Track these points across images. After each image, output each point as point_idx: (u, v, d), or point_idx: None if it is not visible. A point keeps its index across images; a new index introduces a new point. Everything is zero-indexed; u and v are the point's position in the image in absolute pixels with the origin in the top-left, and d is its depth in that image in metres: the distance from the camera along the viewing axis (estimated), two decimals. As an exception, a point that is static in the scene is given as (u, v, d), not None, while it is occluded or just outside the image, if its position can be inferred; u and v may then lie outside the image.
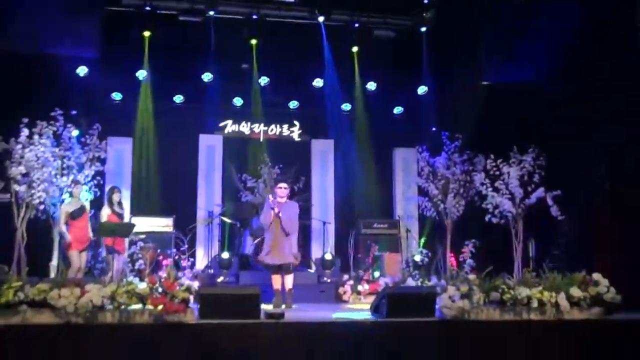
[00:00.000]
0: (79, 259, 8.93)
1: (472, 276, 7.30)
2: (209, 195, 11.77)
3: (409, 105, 12.31)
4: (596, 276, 7.36)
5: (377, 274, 10.30)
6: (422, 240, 11.60)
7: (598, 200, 9.11)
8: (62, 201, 9.17)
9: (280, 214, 8.56)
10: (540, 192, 8.90)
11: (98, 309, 6.46)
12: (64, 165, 9.37)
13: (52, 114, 8.97)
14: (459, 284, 7.06)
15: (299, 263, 8.93)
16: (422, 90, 12.06)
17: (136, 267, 9.22)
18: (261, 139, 12.14)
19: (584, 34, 8.86)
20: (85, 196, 9.39)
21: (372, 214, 11.76)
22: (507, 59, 10.09)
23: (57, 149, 9.11)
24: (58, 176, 9.19)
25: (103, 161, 9.95)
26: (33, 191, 8.50)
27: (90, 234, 9.12)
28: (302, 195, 11.21)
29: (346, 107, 12.39)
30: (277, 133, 12.30)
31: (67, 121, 9.30)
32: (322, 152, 12.45)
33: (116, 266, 8.70)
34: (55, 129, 8.96)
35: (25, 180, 8.46)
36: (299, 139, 12.38)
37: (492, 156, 9.24)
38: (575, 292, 7.19)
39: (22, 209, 8.34)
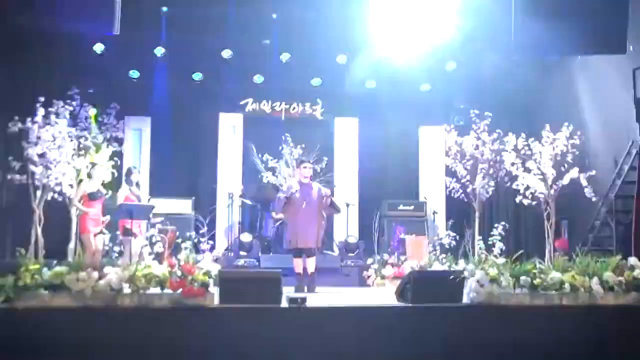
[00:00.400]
0: (94, 242, 9.01)
1: (501, 260, 7.28)
2: (229, 176, 11.89)
3: (436, 81, 12.26)
4: (632, 260, 7.26)
5: (402, 257, 10.22)
6: (449, 222, 11.62)
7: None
8: (80, 182, 9.12)
9: (302, 195, 8.70)
10: (574, 172, 8.77)
11: (116, 293, 6.53)
12: (81, 146, 9.30)
13: (69, 92, 9.05)
14: (488, 268, 7.02)
15: (321, 246, 9.11)
16: (450, 66, 11.99)
17: (155, 250, 9.21)
18: (282, 118, 12.23)
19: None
20: (102, 176, 9.41)
21: (398, 195, 11.87)
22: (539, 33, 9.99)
23: (73, 129, 9.10)
24: (75, 157, 9.17)
25: (120, 141, 10.07)
26: (50, 172, 8.49)
27: (106, 217, 9.20)
28: (324, 176, 11.34)
29: (370, 84, 12.35)
30: (299, 111, 12.35)
31: (84, 100, 9.41)
32: (346, 131, 12.48)
33: (133, 249, 8.75)
34: (72, 108, 8.93)
35: (41, 161, 8.43)
36: (322, 118, 12.41)
37: (523, 135, 9.14)
38: (610, 276, 7.09)
39: (39, 190, 8.37)
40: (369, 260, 10.32)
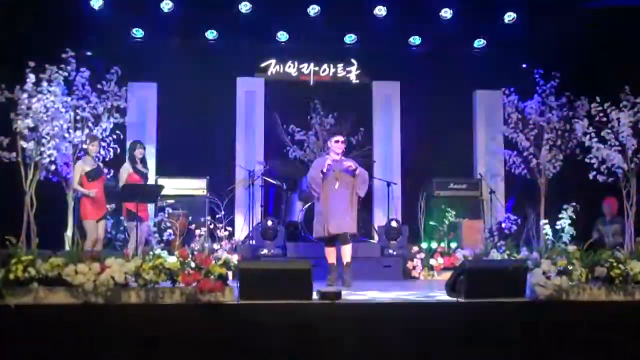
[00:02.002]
0: (95, 229, 9.11)
1: (571, 247, 7.20)
2: (249, 151, 11.87)
3: (493, 37, 12.15)
4: None
5: (453, 245, 10.42)
6: (510, 203, 11.69)
7: None
8: (79, 159, 9.40)
9: (335, 173, 8.65)
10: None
11: (121, 287, 6.59)
12: (78, 117, 9.54)
13: (63, 56, 9.07)
14: (556, 257, 6.98)
15: (358, 232, 9.01)
16: (509, 17, 11.85)
17: (164, 237, 9.39)
18: (311, 82, 12.17)
19: None
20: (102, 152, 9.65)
21: (448, 171, 11.77)
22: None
23: (68, 98, 9.27)
24: (71, 130, 9.37)
25: (123, 112, 10.07)
26: (42, 148, 8.64)
27: (111, 205, 9.38)
28: (361, 150, 11.24)
29: (415, 40, 12.29)
30: (331, 74, 12.29)
31: (81, 64, 9.41)
32: (386, 96, 12.37)
33: (140, 237, 8.84)
34: (66, 74, 9.10)
35: (32, 136, 8.59)
36: (357, 81, 12.32)
37: (597, 99, 9.01)
38: (703, 267, 7.01)
39: (31, 169, 8.45)
40: (414, 249, 10.33)
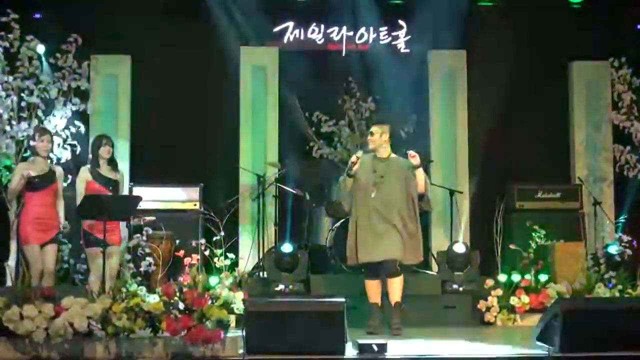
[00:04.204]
0: (40, 258, 8.90)
1: None
2: (258, 148, 11.79)
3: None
4: None
5: (543, 277, 10.24)
6: (622, 218, 11.50)
7: None
8: (24, 160, 9.42)
9: (373, 176, 8.66)
10: None
11: (83, 337, 6.58)
12: (23, 104, 9.60)
13: (2, 19, 9.20)
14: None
15: (411, 260, 8.90)
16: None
17: (142, 269, 9.41)
18: (343, 53, 12.10)
19: None
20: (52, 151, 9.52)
21: (534, 175, 11.71)
22: None
23: (10, 78, 9.38)
24: (13, 121, 9.45)
25: (85, 95, 10.09)
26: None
27: (61, 217, 9.20)
28: (413, 145, 10.57)
29: (486, -4, 12.27)
30: (371, 41, 12.22)
31: (27, 31, 9.47)
32: (447, 71, 12.27)
33: (108, 268, 8.65)
34: (7, 44, 9.25)
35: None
36: (407, 51, 12.25)
37: None
38: None
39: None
40: (488, 283, 10.23)
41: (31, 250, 8.88)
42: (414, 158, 8.61)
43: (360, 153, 8.83)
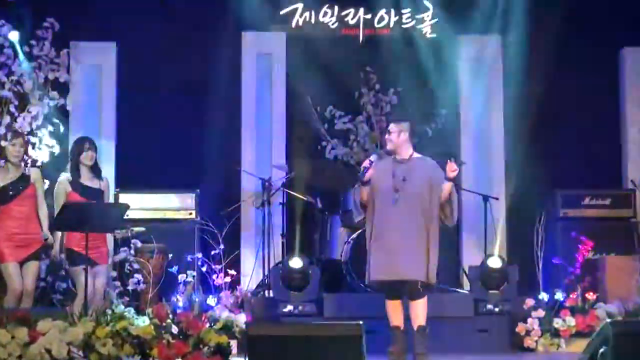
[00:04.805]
0: (18, 277, 8.95)
1: None
2: (262, 149, 11.81)
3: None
4: None
5: (591, 295, 10.25)
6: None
7: None
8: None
9: (393, 181, 8.57)
10: None
11: (62, 366, 6.52)
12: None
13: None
14: None
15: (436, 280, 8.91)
16: None
17: (130, 287, 9.49)
18: (360, 38, 11.99)
19: None
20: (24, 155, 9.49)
21: (580, 178, 11.68)
22: None
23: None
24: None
25: (64, 88, 10.34)
26: None
27: (44, 229, 9.17)
28: (441, 145, 11.10)
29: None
30: (392, 25, 12.13)
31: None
32: (480, 60, 12.11)
33: (91, 287, 8.66)
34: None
35: None
36: (433, 36, 12.12)
37: None
38: None
39: None
40: (528, 303, 10.18)
41: (7, 269, 8.93)
42: (453, 172, 8.47)
43: (374, 157, 8.72)
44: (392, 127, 8.76)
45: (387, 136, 8.78)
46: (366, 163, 8.60)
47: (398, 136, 8.66)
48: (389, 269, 8.47)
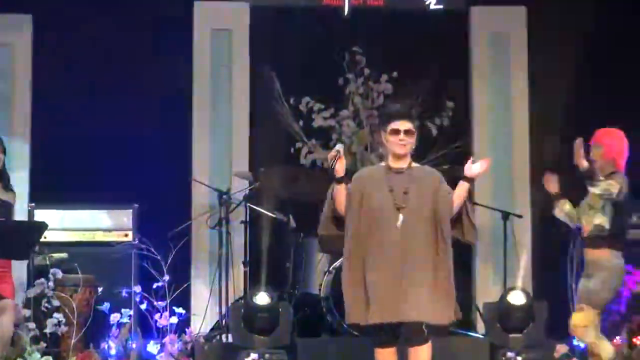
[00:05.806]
0: None
1: None
2: (218, 152, 11.49)
3: None
4: None
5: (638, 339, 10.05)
6: None
7: None
8: None
9: (391, 195, 7.79)
10: None
11: None
12: None
13: None
14: None
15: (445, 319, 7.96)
16: None
17: (48, 330, 8.99)
18: (346, 10, 11.44)
19: None
20: None
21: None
22: None
23: None
24: None
25: None
26: None
27: None
28: (449, 147, 10.99)
29: None
30: (385, -5, 11.34)
31: None
32: (499, 38, 11.59)
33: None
34: None
35: None
36: (440, 7, 11.51)
37: None
38: None
39: None
40: (560, 349, 9.64)
41: None
42: (476, 170, 7.90)
43: (340, 146, 7.86)
44: (407, 124, 7.79)
45: (402, 137, 7.85)
46: (333, 153, 7.76)
47: (413, 135, 7.83)
48: (388, 308, 7.58)
